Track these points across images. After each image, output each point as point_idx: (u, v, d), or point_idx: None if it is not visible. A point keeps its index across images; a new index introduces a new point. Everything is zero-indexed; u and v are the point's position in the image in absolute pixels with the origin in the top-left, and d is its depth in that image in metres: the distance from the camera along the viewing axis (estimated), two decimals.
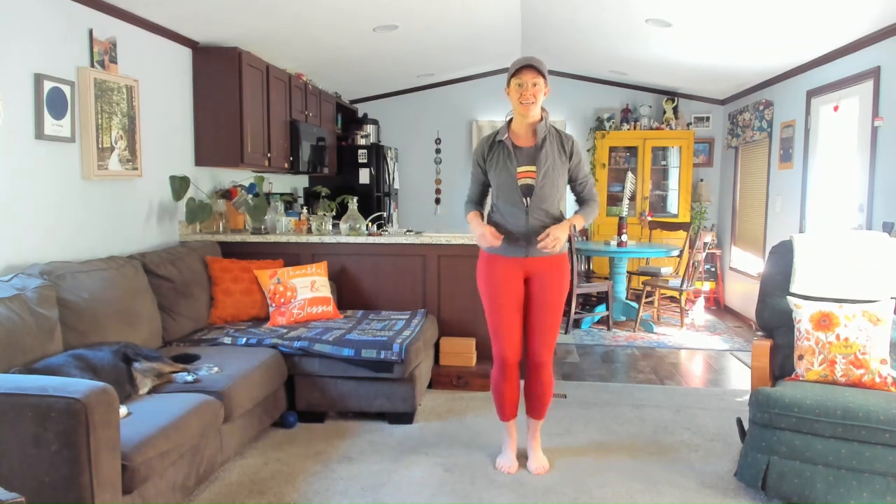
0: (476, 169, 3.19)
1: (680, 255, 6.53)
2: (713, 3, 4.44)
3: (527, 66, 2.94)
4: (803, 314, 3.09)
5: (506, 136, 3.07)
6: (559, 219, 3.08)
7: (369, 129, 7.42)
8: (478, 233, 3.06)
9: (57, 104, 3.34)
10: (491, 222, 3.13)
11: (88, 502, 2.12)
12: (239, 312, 4.23)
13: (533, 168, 3.01)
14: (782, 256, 3.43)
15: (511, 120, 3.13)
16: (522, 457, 3.30)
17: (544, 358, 3.16)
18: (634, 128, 7.78)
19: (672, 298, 7.69)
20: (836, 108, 5.09)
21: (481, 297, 3.18)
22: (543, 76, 2.97)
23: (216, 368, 3.20)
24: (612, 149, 7.84)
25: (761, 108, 6.50)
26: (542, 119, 3.07)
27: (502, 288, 3.08)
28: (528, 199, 3.02)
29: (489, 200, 3.23)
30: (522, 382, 3.26)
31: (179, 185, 4.40)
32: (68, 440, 2.09)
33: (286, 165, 5.54)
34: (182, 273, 3.97)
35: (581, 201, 3.24)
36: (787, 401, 2.77)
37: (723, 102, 7.81)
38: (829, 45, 4.99)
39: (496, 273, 3.09)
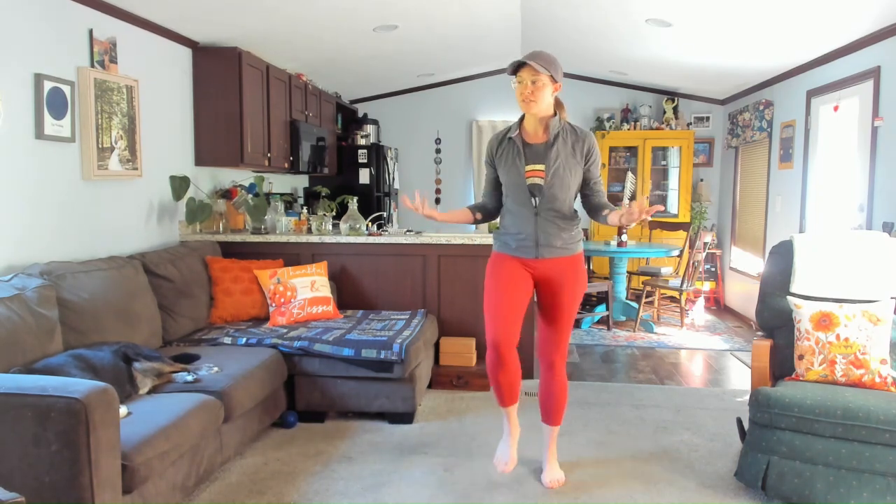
0: (488, 168, 3.07)
1: (680, 255, 6.53)
2: (713, 3, 4.44)
3: (520, 65, 2.79)
4: (803, 314, 3.09)
5: (516, 133, 2.93)
6: (571, 219, 2.95)
7: (369, 129, 7.41)
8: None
9: (57, 104, 3.34)
10: (502, 224, 3.04)
11: (88, 502, 2.12)
12: (239, 312, 4.23)
13: (541, 167, 2.88)
14: (782, 256, 3.42)
15: (524, 116, 2.97)
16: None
17: (555, 358, 3.01)
18: (634, 128, 7.78)
19: (672, 298, 7.70)
20: (836, 108, 5.09)
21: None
22: (546, 71, 2.78)
23: (216, 368, 3.20)
24: (612, 149, 7.85)
25: (761, 108, 6.49)
26: (555, 114, 2.92)
27: (507, 274, 2.94)
28: (536, 199, 2.89)
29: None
30: (537, 385, 3.14)
31: (179, 185, 4.40)
32: (68, 440, 2.09)
33: (286, 165, 5.54)
34: (182, 273, 3.98)
35: (598, 207, 3.00)
36: (787, 401, 2.77)
37: (723, 102, 7.81)
38: (829, 45, 4.99)
39: (502, 266, 2.97)
